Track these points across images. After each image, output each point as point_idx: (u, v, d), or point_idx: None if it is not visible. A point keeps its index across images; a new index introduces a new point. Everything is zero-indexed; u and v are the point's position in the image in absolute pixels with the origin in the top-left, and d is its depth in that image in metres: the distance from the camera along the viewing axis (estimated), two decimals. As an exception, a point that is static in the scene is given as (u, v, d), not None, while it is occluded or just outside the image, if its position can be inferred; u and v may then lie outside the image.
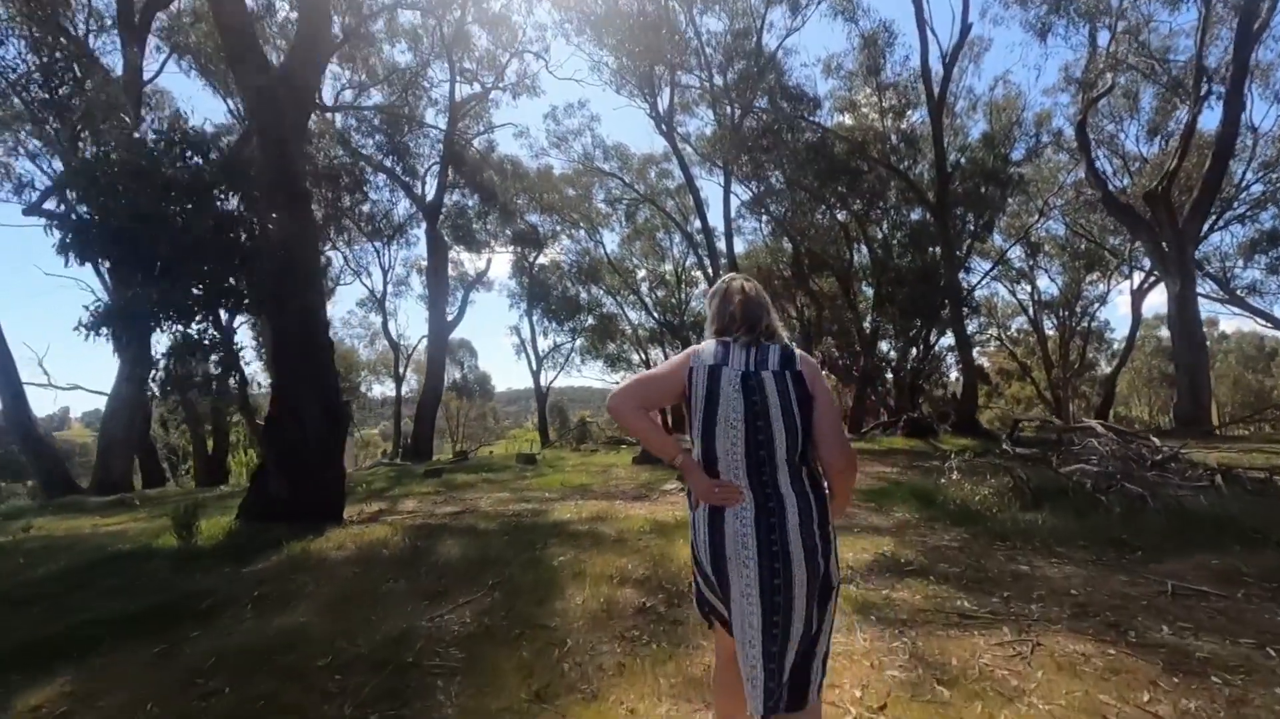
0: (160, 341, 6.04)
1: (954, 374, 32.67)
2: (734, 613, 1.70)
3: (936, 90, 15.75)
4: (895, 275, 18.41)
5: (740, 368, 1.79)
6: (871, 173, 18.74)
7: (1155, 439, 8.07)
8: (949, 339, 28.78)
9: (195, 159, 5.52)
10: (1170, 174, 15.76)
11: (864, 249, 24.42)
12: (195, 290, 5.19)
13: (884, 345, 24.81)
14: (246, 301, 5.71)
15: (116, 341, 5.04)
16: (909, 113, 21.72)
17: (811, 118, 17.84)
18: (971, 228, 22.41)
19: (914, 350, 25.15)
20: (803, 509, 1.70)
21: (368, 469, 15.27)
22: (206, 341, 5.75)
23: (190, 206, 5.22)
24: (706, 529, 1.74)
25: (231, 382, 6.01)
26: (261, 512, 6.12)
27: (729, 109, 23.70)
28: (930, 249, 19.66)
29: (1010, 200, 23.10)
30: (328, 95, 22.10)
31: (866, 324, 22.04)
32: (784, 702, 1.69)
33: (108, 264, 5.19)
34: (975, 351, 28.56)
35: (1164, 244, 16.07)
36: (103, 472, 16.00)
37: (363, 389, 37.67)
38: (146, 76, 20.11)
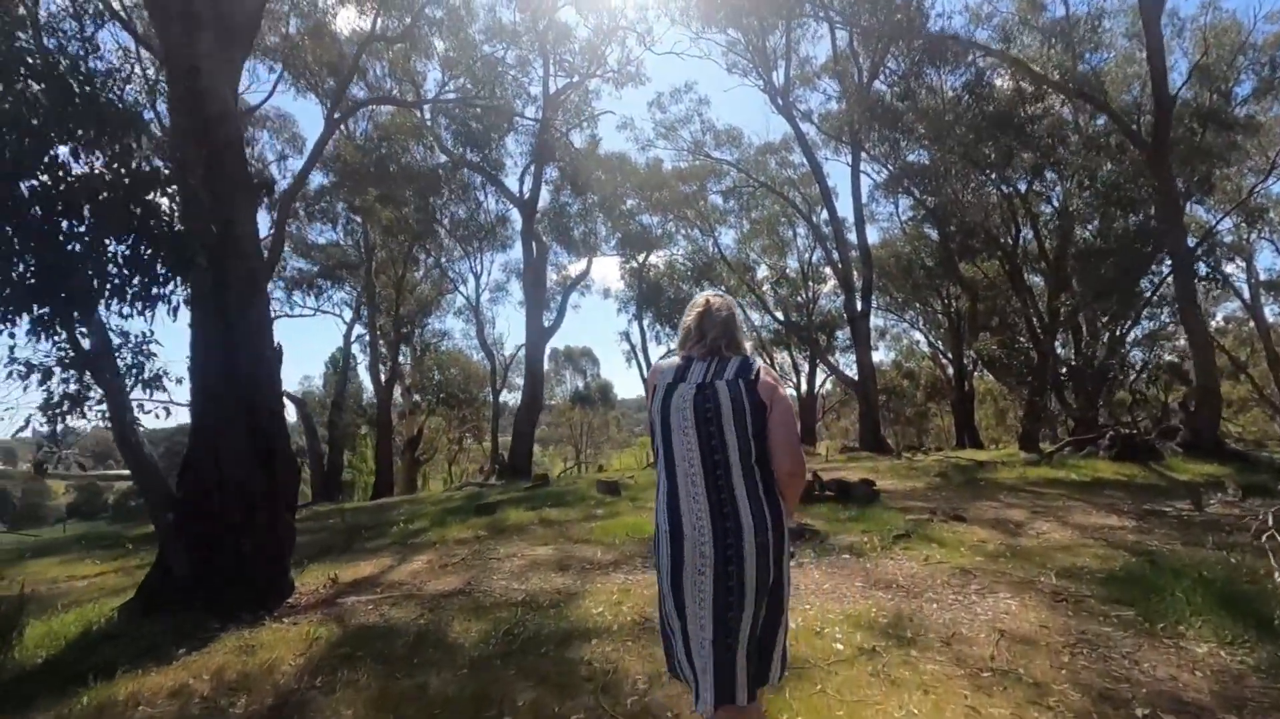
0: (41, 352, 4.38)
1: (1133, 374, 26.57)
2: (688, 617, 1.71)
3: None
4: (1085, 246, 14.22)
5: (697, 380, 1.83)
6: (1046, 119, 14.72)
7: None
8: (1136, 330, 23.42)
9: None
10: None
11: (1028, 226, 20.06)
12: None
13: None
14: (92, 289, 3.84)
15: None
16: (1087, 54, 17.39)
17: (969, 51, 14.14)
18: (1182, 187, 17.53)
19: (1100, 342, 20.30)
20: (755, 513, 1.72)
21: (444, 494, 13.77)
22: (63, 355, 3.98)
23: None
24: (669, 542, 1.75)
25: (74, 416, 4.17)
26: (155, 595, 4.25)
27: (854, 72, 20.45)
28: (1129, 214, 15.20)
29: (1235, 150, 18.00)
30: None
31: (1042, 309, 17.59)
32: (736, 695, 1.70)
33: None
34: (1165, 346, 22.88)
35: None
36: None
37: (480, 398, 37.27)
38: (256, 99, 20.21)
